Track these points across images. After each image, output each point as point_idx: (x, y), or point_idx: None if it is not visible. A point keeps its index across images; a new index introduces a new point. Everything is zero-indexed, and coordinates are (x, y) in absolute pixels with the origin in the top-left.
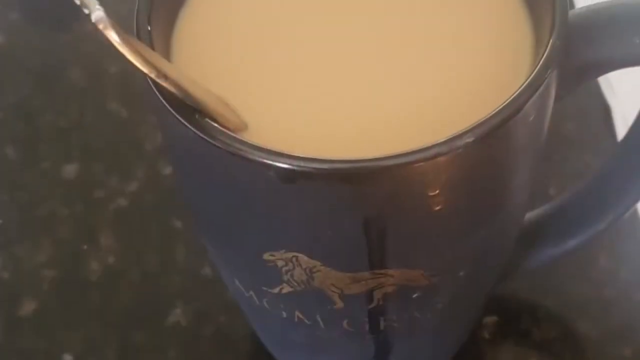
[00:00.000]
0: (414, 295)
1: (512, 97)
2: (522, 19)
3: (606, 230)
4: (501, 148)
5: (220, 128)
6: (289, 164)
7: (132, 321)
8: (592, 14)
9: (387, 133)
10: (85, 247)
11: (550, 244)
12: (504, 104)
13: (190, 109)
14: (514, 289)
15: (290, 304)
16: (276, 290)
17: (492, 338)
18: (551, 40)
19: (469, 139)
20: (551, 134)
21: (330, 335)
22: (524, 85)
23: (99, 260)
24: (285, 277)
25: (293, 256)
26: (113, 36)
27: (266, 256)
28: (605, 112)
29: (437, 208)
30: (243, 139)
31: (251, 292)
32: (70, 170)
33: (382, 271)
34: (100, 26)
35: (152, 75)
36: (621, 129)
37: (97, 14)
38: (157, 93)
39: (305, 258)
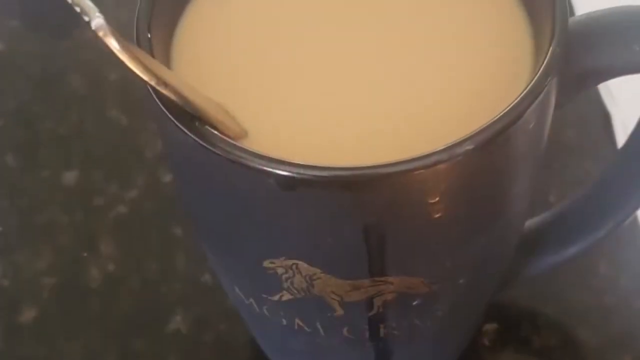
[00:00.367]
0: (414, 303)
1: (512, 104)
2: (522, 26)
3: (606, 238)
4: (501, 155)
5: (220, 135)
6: (288, 172)
7: (132, 328)
8: (592, 21)
9: (387, 140)
10: (85, 254)
11: (550, 252)
12: (504, 112)
13: (190, 116)
14: (514, 296)
15: (290, 311)
16: (276, 297)
17: (492, 345)
18: (551, 48)
19: (469, 146)
20: (551, 142)
21: (330, 342)
22: (524, 92)
23: (99, 268)
24: (285, 285)
25: (293, 263)
26: (113, 43)
27: (266, 264)
28: (605, 120)
29: (437, 215)
30: (243, 147)
31: (251, 300)
32: (70, 177)
33: (382, 279)
34: (100, 33)
35: (152, 83)
36: (621, 137)
37: (97, 21)
38: (157, 100)
39: (305, 265)
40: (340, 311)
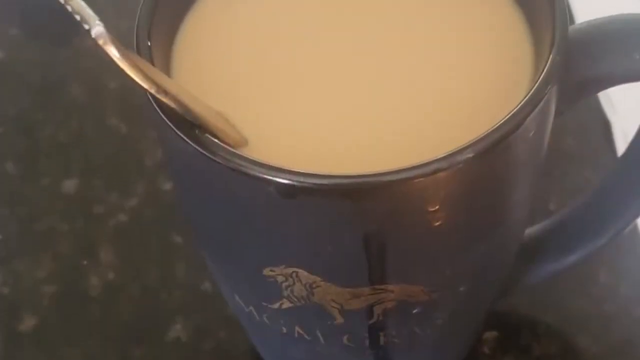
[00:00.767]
0: (414, 311)
1: (512, 112)
2: (522, 34)
3: (606, 246)
4: (501, 163)
5: (220, 143)
6: (289, 180)
7: (132, 336)
8: (592, 29)
9: (387, 148)
10: (85, 262)
11: (550, 259)
12: (504, 120)
13: (190, 124)
14: (514, 304)
15: (290, 319)
16: (276, 305)
17: (492, 353)
18: (551, 56)
19: (469, 154)
20: (551, 149)
21: (331, 350)
22: (524, 100)
23: (99, 276)
24: (285, 293)
25: (293, 271)
26: (113, 51)
27: (266, 271)
28: (605, 128)
29: (437, 223)
30: (243, 155)
31: (251, 308)
32: (70, 185)
33: (382, 286)
34: (100, 41)
35: (152, 91)
36: (621, 144)
37: (97, 29)
38: (157, 108)
39: (305, 273)
40: (340, 319)
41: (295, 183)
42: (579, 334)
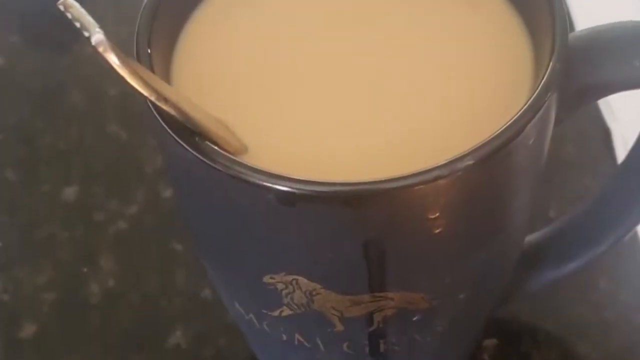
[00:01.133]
0: (414, 318)
1: (513, 119)
2: (523, 41)
3: (606, 253)
4: (501, 171)
5: (220, 151)
6: (289, 187)
7: (132, 344)
8: (592, 36)
9: (387, 155)
10: (85, 269)
11: (550, 267)
12: (504, 127)
13: (190, 131)
14: (514, 311)
15: (291, 326)
16: (276, 313)
17: None
18: (551, 63)
19: (469, 161)
20: (551, 157)
21: (331, 357)
22: (524, 107)
23: (99, 283)
24: (286, 300)
25: (293, 279)
26: (113, 59)
27: (266, 279)
28: (605, 135)
29: (437, 231)
30: (243, 162)
31: (251, 315)
32: (70, 192)
33: (382, 294)
34: (100, 49)
35: (152, 98)
36: (621, 152)
37: (97, 36)
38: (157, 116)
39: (305, 281)
40: (340, 327)
41: (295, 190)
42: (579, 341)
